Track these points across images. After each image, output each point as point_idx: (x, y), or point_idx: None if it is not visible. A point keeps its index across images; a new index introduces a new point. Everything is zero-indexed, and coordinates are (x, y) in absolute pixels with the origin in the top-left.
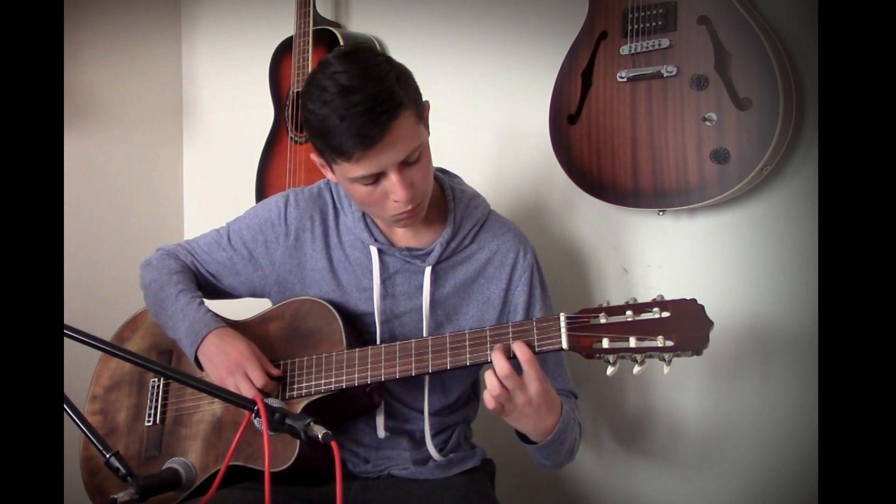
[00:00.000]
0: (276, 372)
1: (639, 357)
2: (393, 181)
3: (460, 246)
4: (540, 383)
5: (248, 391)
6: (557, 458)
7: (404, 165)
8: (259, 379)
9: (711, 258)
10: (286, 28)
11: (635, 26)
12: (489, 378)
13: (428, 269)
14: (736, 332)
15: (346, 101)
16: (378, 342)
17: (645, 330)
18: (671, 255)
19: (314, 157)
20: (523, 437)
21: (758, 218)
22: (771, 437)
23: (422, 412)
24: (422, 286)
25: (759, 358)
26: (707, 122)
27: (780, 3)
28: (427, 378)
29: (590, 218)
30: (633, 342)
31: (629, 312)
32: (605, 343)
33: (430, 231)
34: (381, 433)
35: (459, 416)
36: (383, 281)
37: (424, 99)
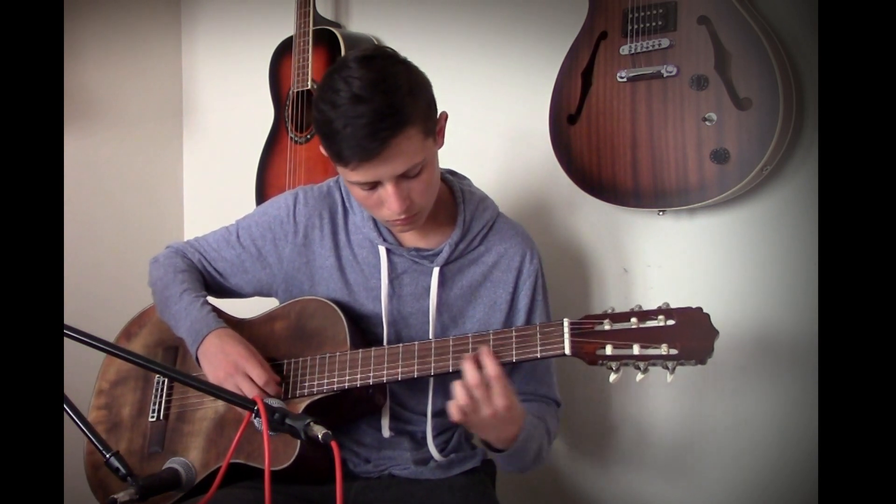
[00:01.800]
0: (275, 378)
1: (642, 365)
2: (388, 192)
3: (469, 248)
4: (507, 398)
5: (249, 391)
6: (521, 464)
7: (402, 178)
8: (260, 377)
9: (711, 258)
10: (286, 28)
11: (635, 26)
12: (458, 388)
13: (436, 270)
14: (736, 332)
15: (353, 109)
16: (384, 343)
17: (649, 337)
18: (671, 255)
19: (322, 149)
20: (486, 444)
21: (758, 218)
22: (771, 438)
23: (424, 414)
24: (429, 287)
25: (760, 358)
26: (707, 122)
27: (780, 3)
28: (431, 380)
29: (590, 218)
30: (636, 350)
31: (634, 319)
32: (609, 350)
33: (438, 232)
34: (387, 433)
35: None
36: (391, 281)
37: (441, 110)
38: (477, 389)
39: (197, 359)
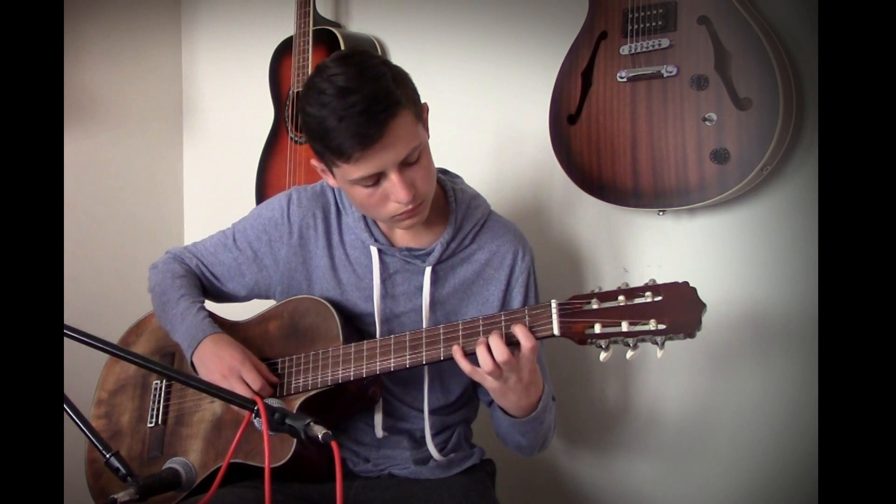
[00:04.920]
0: (273, 378)
1: (631, 341)
2: (393, 181)
3: (460, 246)
4: (532, 362)
5: (244, 394)
6: (536, 437)
7: (404, 165)
8: (255, 381)
9: (711, 258)
10: (286, 28)
11: (635, 26)
12: (483, 358)
13: (428, 270)
14: (736, 331)
15: (344, 101)
16: None
17: (637, 314)
18: (671, 255)
19: (315, 162)
20: (503, 411)
21: (758, 218)
22: (771, 435)
23: (421, 411)
24: (421, 286)
25: (760, 357)
26: (707, 122)
27: (780, 3)
28: (426, 376)
29: (590, 218)
30: (625, 326)
31: (621, 297)
32: (598, 328)
33: (430, 232)
34: (380, 433)
35: (460, 415)
36: (383, 281)
37: (423, 101)
38: (506, 363)
39: (192, 364)
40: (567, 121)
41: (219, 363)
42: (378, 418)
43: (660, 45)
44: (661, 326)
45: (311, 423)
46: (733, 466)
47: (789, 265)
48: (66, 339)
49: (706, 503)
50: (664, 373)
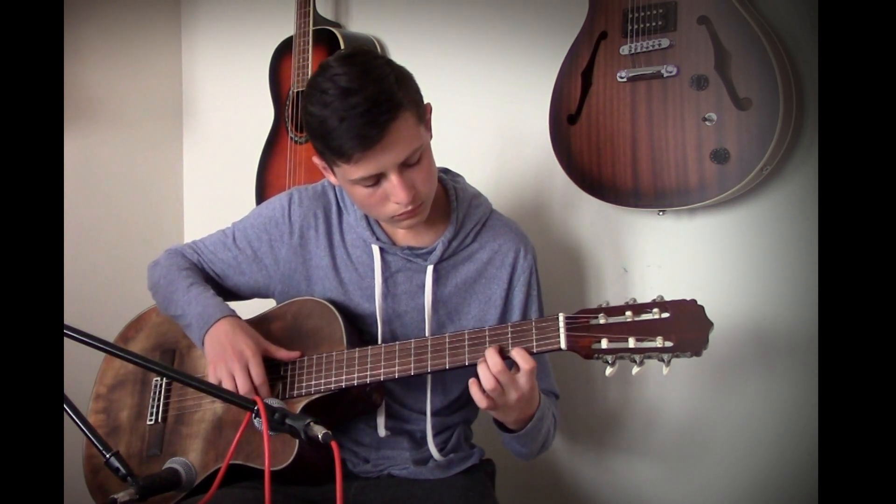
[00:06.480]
0: (293, 355)
1: (637, 358)
2: (393, 182)
3: (462, 245)
4: (531, 380)
5: (242, 383)
6: (533, 445)
7: (405, 167)
8: (259, 376)
9: (711, 258)
10: (286, 28)
11: (635, 26)
12: (483, 375)
13: (430, 268)
14: (735, 332)
15: (346, 102)
16: (379, 341)
17: (644, 330)
18: (671, 255)
19: (316, 159)
20: (500, 426)
21: (758, 218)
22: (771, 437)
23: (423, 413)
24: (423, 285)
25: (759, 358)
26: (707, 122)
27: (780, 3)
28: (429, 379)
29: (590, 218)
30: (632, 343)
31: (629, 313)
32: (604, 343)
33: (431, 230)
34: (382, 432)
35: (461, 416)
36: (385, 279)
37: (426, 101)
38: (502, 374)
39: (203, 343)
40: (567, 121)
41: (230, 346)
42: (381, 420)
43: (660, 45)
44: (669, 344)
45: (311, 423)
46: (733, 467)
47: (789, 265)
48: (65, 338)
49: None
50: (662, 375)
